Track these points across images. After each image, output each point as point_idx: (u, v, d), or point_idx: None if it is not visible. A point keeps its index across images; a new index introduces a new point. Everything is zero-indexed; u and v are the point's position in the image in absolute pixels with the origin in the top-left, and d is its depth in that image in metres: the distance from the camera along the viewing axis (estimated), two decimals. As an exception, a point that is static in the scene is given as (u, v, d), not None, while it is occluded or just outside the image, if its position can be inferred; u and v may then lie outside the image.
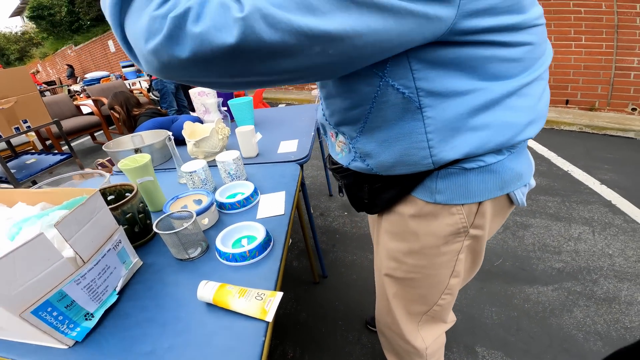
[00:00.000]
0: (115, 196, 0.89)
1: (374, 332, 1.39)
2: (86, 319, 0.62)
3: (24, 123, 2.06)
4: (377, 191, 0.65)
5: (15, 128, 2.02)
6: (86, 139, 5.34)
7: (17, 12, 19.24)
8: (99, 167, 2.39)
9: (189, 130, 1.31)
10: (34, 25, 14.95)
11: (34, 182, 2.79)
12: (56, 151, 3.82)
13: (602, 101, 3.44)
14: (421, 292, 0.73)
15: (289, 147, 1.33)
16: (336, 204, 2.40)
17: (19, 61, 17.56)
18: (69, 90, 7.58)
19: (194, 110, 4.71)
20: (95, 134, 4.85)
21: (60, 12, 12.57)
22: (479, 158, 0.54)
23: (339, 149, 0.68)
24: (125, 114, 2.14)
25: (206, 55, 0.35)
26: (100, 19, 10.47)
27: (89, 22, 11.02)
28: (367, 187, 0.66)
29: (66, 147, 4.67)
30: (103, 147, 1.33)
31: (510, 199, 0.62)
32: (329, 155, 0.77)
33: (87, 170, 1.01)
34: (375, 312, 0.92)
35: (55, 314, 0.57)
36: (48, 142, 4.10)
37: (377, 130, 0.56)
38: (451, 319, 0.88)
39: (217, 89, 0.46)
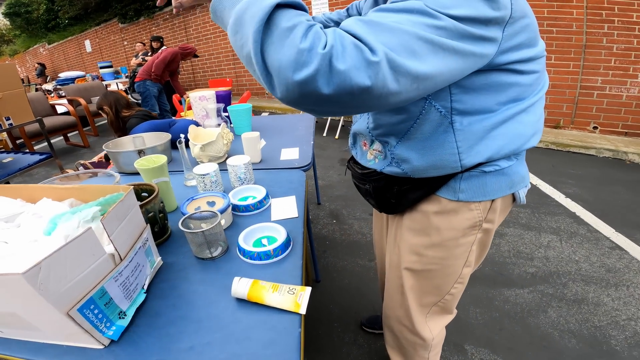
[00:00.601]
0: (132, 197, 0.90)
1: (369, 333, 1.45)
2: (120, 318, 0.62)
3: (7, 120, 1.97)
4: (405, 192, 0.74)
5: (-4, 125, 1.93)
6: (58, 140, 5.09)
7: (-9, 9, 18.41)
8: (81, 169, 2.31)
9: (193, 133, 1.33)
10: (7, 22, 14.25)
11: (8, 184, 2.65)
12: (27, 150, 3.64)
13: (566, 119, 3.72)
14: (437, 282, 0.81)
15: (290, 154, 1.38)
16: (324, 212, 2.46)
17: (-12, 57, 16.67)
18: (36, 89, 7.23)
19: (175, 114, 4.63)
20: (68, 135, 4.66)
21: (38, 10, 12.10)
22: (495, 163, 0.65)
23: (372, 156, 0.76)
24: (114, 115, 2.10)
25: (343, 92, 0.39)
26: (79, 18, 10.08)
27: (66, 21, 10.60)
28: (396, 189, 0.74)
29: (37, 147, 4.46)
30: (103, 147, 1.32)
31: (514, 198, 0.74)
32: (353, 163, 0.85)
33: (105, 170, 1.00)
34: (384, 308, 0.98)
35: (96, 311, 0.57)
36: (18, 141, 3.90)
37: (415, 140, 0.65)
38: (454, 311, 0.96)
39: (317, 116, 0.48)
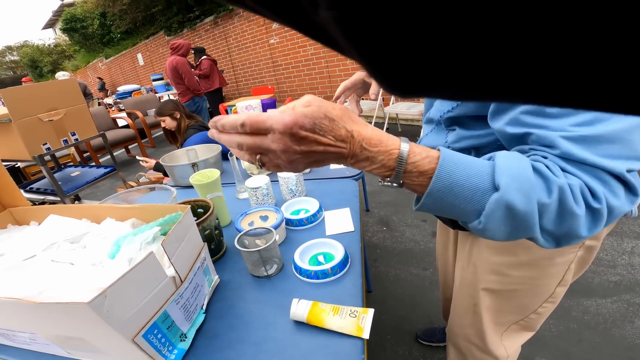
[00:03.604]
0: (187, 212, 0.91)
1: (425, 346, 1.37)
2: (181, 340, 0.62)
3: (72, 135, 2.13)
4: None
5: (63, 140, 2.09)
6: (120, 152, 5.47)
7: (50, 25, 19.95)
8: (142, 179, 2.46)
9: (242, 144, 1.33)
10: (67, 38, 15.43)
11: (77, 196, 2.89)
12: (93, 163, 3.96)
13: None
14: (520, 302, 0.71)
15: (339, 160, 1.33)
16: (374, 219, 2.38)
17: (52, 73, 18.17)
18: (99, 103, 7.86)
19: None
20: (129, 147, 4.99)
21: (92, 25, 12.93)
22: None
23: None
24: (183, 121, 2.27)
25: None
26: (130, 32, 10.76)
27: (119, 35, 11.37)
28: None
29: (103, 158, 4.85)
30: (160, 161, 1.37)
31: None
32: None
33: (162, 185, 1.03)
34: (450, 324, 0.90)
35: (159, 336, 0.57)
36: (85, 154, 4.26)
37: None
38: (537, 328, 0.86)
39: None
